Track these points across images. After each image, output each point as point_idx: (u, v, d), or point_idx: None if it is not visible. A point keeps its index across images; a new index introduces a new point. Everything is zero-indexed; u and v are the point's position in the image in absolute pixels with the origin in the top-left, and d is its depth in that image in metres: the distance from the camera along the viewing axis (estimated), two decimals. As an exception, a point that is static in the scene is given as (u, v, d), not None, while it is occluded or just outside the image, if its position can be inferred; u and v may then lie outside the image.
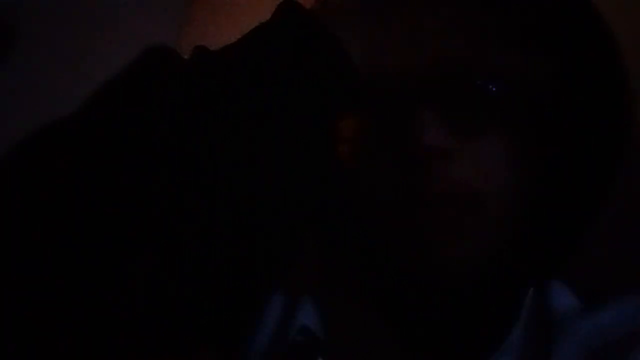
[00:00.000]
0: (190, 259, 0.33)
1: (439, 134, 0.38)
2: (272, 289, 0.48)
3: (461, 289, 0.42)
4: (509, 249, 0.42)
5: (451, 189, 0.39)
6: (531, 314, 0.44)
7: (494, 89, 0.40)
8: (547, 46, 0.42)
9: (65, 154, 0.33)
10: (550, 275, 0.46)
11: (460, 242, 0.40)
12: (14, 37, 0.96)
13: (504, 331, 0.43)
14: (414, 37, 0.37)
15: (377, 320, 0.45)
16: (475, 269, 0.41)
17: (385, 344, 0.44)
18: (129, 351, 0.33)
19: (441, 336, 0.44)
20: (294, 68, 0.34)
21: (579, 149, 0.43)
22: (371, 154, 0.41)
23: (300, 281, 0.48)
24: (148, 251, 0.32)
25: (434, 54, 0.37)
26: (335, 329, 0.46)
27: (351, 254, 0.44)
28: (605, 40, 0.43)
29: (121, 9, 1.10)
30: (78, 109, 0.35)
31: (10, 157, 0.34)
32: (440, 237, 0.40)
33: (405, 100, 0.38)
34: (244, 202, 0.34)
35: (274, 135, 0.34)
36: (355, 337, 0.46)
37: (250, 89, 0.34)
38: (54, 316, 0.31)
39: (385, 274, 0.43)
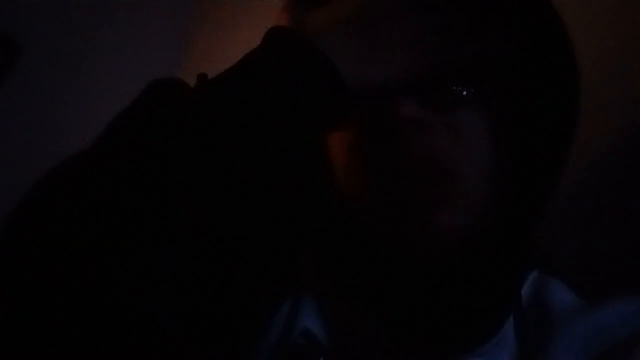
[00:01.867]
0: (197, 266, 0.35)
1: (414, 106, 0.41)
2: (277, 292, 0.49)
3: (451, 272, 0.43)
4: (488, 219, 0.43)
5: (428, 158, 0.41)
6: (529, 310, 0.45)
7: (469, 91, 0.42)
8: (507, 28, 0.44)
9: (85, 180, 0.35)
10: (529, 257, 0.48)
11: (441, 212, 0.42)
12: (20, 53, 0.98)
13: (495, 321, 0.44)
14: (388, 47, 0.39)
15: (374, 319, 0.46)
16: (458, 241, 0.42)
17: (385, 345, 0.45)
18: (137, 357, 0.34)
19: (434, 326, 0.44)
20: (287, 88, 0.36)
21: (543, 118, 0.46)
22: (359, 144, 0.43)
23: (302, 283, 0.49)
24: (160, 258, 0.33)
25: (408, 59, 0.40)
26: (337, 332, 0.46)
27: (345, 244, 0.46)
28: (554, 16, 0.46)
29: (126, 25, 1.11)
30: (93, 140, 0.37)
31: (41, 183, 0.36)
32: (425, 206, 0.41)
33: (387, 92, 0.41)
34: (251, 210, 0.36)
35: (275, 149, 0.36)
36: (356, 340, 0.46)
37: (253, 112, 0.36)
38: (58, 316, 0.32)
39: (378, 261, 0.44)
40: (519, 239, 0.46)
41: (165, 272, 0.33)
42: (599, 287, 0.47)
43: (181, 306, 0.34)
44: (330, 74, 0.37)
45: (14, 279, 0.33)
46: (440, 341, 0.44)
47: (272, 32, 0.38)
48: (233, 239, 0.36)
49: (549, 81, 0.46)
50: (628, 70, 0.73)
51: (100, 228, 0.33)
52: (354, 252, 0.46)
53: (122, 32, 1.12)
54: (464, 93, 0.42)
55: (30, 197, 0.36)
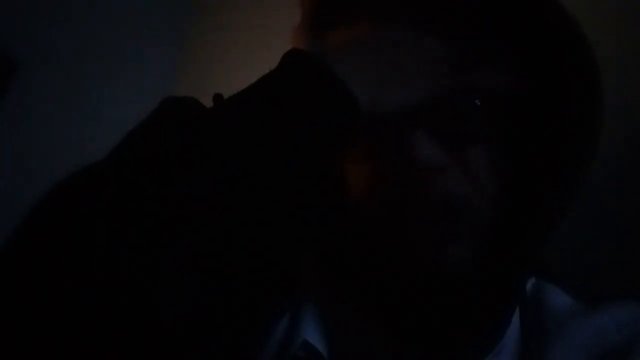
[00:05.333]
0: (199, 270, 0.35)
1: (431, 151, 0.42)
2: (277, 304, 0.49)
3: (455, 289, 0.44)
4: (497, 247, 0.44)
5: (445, 198, 0.42)
6: (528, 315, 0.45)
7: (477, 104, 0.43)
8: (519, 60, 0.44)
9: (98, 191, 0.36)
10: (538, 273, 0.48)
11: (454, 245, 0.43)
12: (15, 70, 0.98)
13: (498, 331, 0.44)
14: (402, 73, 0.41)
15: (377, 330, 0.46)
16: (468, 268, 0.43)
17: (386, 355, 0.45)
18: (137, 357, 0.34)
19: (437, 337, 0.45)
20: (303, 109, 0.38)
21: (553, 151, 0.45)
22: (375, 175, 0.44)
23: (303, 295, 0.49)
24: (162, 261, 0.33)
25: (421, 84, 0.41)
26: (338, 343, 0.46)
27: (352, 261, 0.47)
28: (576, 46, 0.45)
29: (121, 37, 1.12)
30: (106, 156, 0.38)
31: (51, 195, 0.37)
32: (436, 242, 0.43)
33: (401, 125, 0.42)
34: (257, 224, 0.37)
35: (287, 168, 0.37)
36: (357, 351, 0.46)
37: (268, 132, 0.37)
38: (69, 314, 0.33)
39: (383, 279, 0.45)
40: (524, 258, 0.47)
41: (167, 275, 0.33)
42: (597, 290, 0.47)
43: (182, 308, 0.34)
44: (345, 96, 0.38)
45: (17, 281, 0.33)
46: (442, 350, 0.44)
47: (289, 55, 0.39)
48: (236, 245, 0.36)
49: (565, 115, 0.45)
50: (628, 70, 0.74)
51: (104, 230, 0.33)
52: (357, 261, 0.46)
53: (118, 45, 1.12)
54: (475, 130, 0.43)
55: (39, 210, 0.36)
